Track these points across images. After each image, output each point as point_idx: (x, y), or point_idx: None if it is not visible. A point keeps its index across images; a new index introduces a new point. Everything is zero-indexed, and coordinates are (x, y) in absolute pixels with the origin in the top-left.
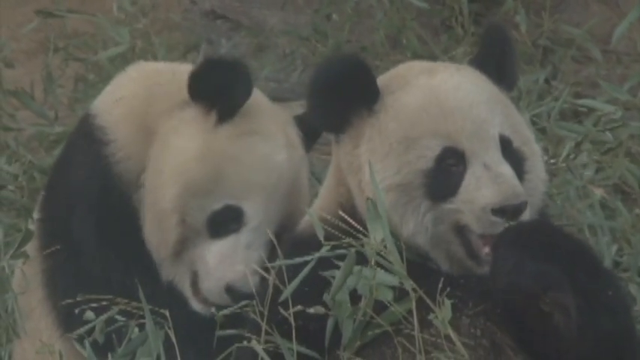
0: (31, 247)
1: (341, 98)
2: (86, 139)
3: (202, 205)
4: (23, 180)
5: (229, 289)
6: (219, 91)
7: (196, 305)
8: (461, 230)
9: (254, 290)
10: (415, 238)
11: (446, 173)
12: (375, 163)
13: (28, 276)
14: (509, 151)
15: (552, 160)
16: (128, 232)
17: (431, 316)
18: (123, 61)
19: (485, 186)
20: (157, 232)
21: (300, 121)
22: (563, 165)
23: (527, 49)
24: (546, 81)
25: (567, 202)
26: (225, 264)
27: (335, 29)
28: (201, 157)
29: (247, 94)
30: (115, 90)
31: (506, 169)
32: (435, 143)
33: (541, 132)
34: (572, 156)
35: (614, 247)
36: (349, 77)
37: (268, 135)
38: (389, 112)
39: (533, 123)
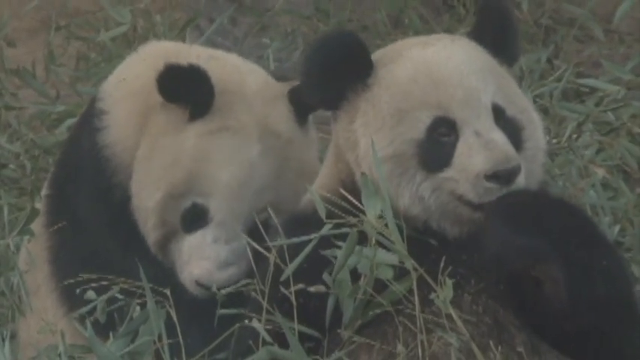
0: (37, 225)
1: (335, 74)
2: (87, 120)
3: (177, 205)
4: (25, 159)
5: (198, 284)
6: (182, 95)
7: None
8: (459, 199)
9: (219, 284)
10: (411, 208)
11: (438, 143)
12: (369, 136)
13: (33, 254)
14: (503, 119)
15: (554, 140)
16: (124, 214)
17: (432, 296)
18: (125, 40)
19: (477, 153)
20: (144, 226)
21: (295, 95)
22: (565, 145)
23: (529, 28)
24: (548, 60)
25: (569, 182)
26: (192, 259)
27: (337, 8)
28: (175, 160)
29: (208, 96)
30: (121, 71)
31: (497, 135)
32: (426, 114)
33: (543, 112)
34: (574, 136)
35: (617, 228)
36: (342, 53)
37: (239, 130)
38: (382, 85)
39: (536, 103)
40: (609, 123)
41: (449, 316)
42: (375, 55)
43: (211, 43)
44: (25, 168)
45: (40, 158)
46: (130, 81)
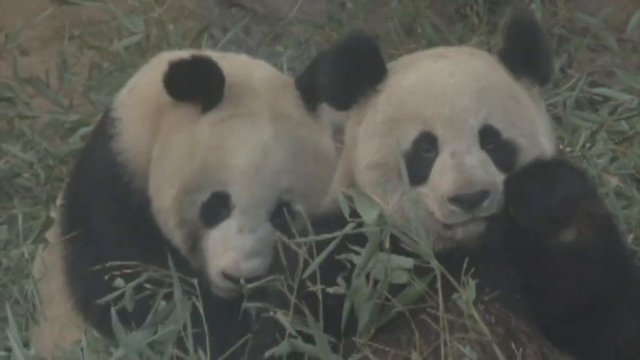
0: (52, 234)
1: (348, 76)
2: (100, 129)
3: (194, 200)
4: (38, 168)
5: (225, 276)
6: (192, 89)
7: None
8: (432, 216)
9: (246, 275)
10: (395, 216)
11: (421, 158)
12: (364, 142)
13: (48, 263)
14: (494, 142)
15: (568, 149)
16: (144, 221)
17: (455, 296)
18: (138, 49)
19: (446, 174)
20: (166, 228)
21: (302, 83)
22: (579, 154)
23: None
24: (562, 70)
25: None
26: (218, 251)
27: (350, 17)
28: (190, 153)
29: (218, 82)
30: (133, 81)
31: (472, 159)
32: (415, 127)
33: (557, 121)
34: (587, 145)
35: (630, 236)
36: (355, 55)
37: (250, 114)
38: (386, 92)
39: (549, 111)
40: (623, 132)
41: (470, 317)
42: (393, 63)
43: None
44: (39, 177)
45: (54, 167)
46: (141, 88)
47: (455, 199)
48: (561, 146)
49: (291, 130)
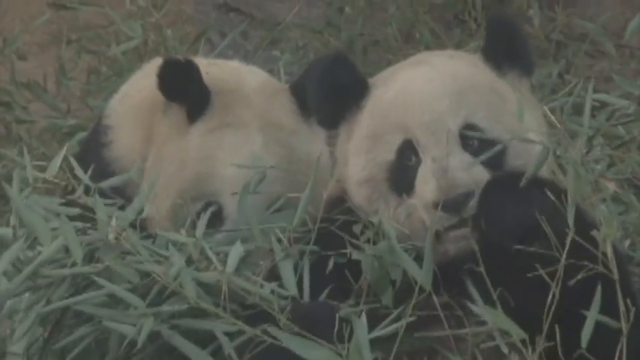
0: None
1: (328, 97)
2: (93, 137)
3: (189, 210)
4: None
5: None
6: (179, 92)
7: None
8: (424, 225)
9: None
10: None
11: (405, 167)
12: (353, 158)
13: None
14: (479, 141)
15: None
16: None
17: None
18: (136, 54)
19: (428, 181)
20: None
21: (296, 89)
22: (576, 159)
23: (540, 43)
24: (559, 75)
25: (580, 196)
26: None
27: (348, 22)
28: (182, 164)
29: (202, 92)
30: (125, 88)
31: (454, 162)
32: (398, 137)
33: (554, 126)
34: (584, 150)
35: (627, 242)
36: (333, 76)
37: (239, 125)
38: (368, 107)
39: (546, 117)
40: (620, 137)
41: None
42: (375, 77)
43: (223, 57)
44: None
45: None
46: (133, 95)
47: (439, 205)
48: (558, 152)
49: (282, 139)
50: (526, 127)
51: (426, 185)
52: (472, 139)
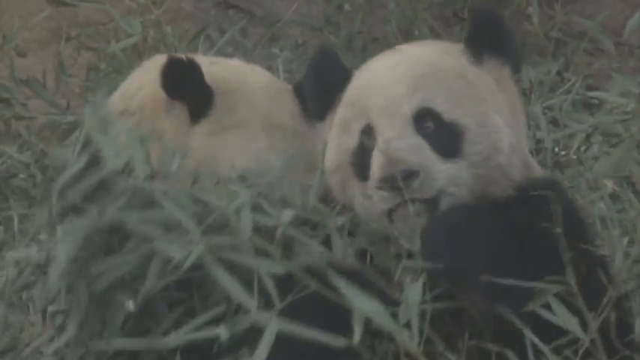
0: None
1: (317, 90)
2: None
3: None
4: (35, 169)
5: None
6: (182, 90)
7: None
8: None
9: None
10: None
11: (365, 151)
12: (328, 147)
13: None
14: (435, 125)
15: (563, 152)
16: None
17: None
18: (135, 51)
19: (375, 162)
20: None
21: (301, 89)
22: (574, 157)
23: (539, 40)
24: (558, 73)
25: (578, 194)
26: None
27: (347, 20)
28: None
29: (205, 92)
30: (125, 85)
31: (401, 142)
32: (360, 122)
33: (552, 123)
34: (582, 148)
35: (625, 239)
36: (319, 69)
37: (243, 126)
38: (344, 96)
39: (545, 114)
40: (618, 135)
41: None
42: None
43: (222, 54)
44: (36, 178)
45: (50, 168)
46: (133, 92)
47: (381, 181)
48: (557, 149)
49: (285, 141)
50: (492, 110)
51: (374, 165)
52: (428, 123)
